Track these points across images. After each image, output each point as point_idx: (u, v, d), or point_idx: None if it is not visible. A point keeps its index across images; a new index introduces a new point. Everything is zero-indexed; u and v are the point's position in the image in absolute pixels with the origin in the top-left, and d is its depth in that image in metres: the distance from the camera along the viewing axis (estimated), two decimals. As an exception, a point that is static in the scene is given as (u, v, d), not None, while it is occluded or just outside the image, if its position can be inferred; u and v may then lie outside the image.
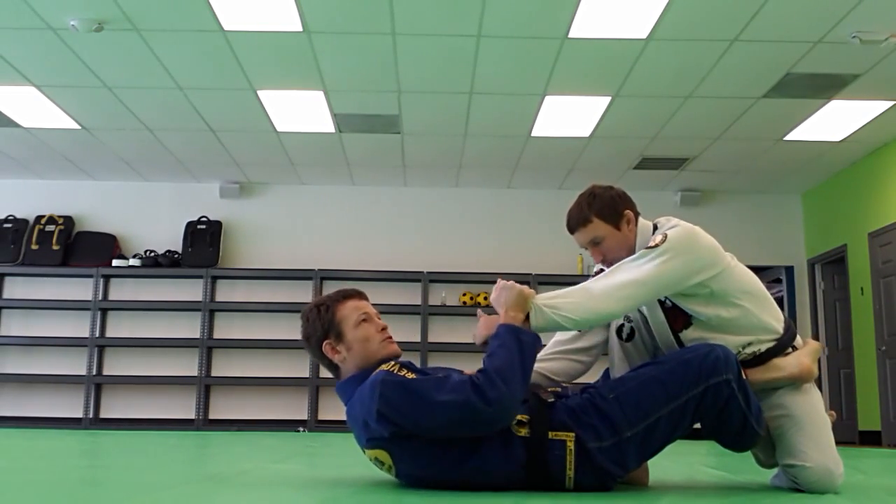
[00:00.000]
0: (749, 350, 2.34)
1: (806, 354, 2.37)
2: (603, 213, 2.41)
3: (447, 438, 2.04)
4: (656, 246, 2.27)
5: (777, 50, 5.78)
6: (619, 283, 2.22)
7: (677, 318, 2.37)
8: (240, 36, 5.67)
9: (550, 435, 2.07)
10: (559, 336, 2.57)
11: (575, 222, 2.46)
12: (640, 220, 2.48)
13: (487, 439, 2.05)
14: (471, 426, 1.99)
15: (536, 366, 2.46)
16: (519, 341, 2.07)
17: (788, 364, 2.33)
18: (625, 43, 5.71)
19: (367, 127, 7.47)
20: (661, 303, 2.38)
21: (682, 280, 2.26)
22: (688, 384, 2.10)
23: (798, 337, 2.46)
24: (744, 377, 2.20)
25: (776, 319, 2.39)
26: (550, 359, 2.52)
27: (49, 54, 5.96)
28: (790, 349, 2.39)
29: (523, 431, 2.08)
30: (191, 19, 5.43)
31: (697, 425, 2.26)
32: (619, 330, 2.48)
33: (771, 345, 2.36)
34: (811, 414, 2.32)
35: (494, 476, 2.07)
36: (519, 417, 2.08)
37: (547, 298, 2.22)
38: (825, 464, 2.26)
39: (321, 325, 2.27)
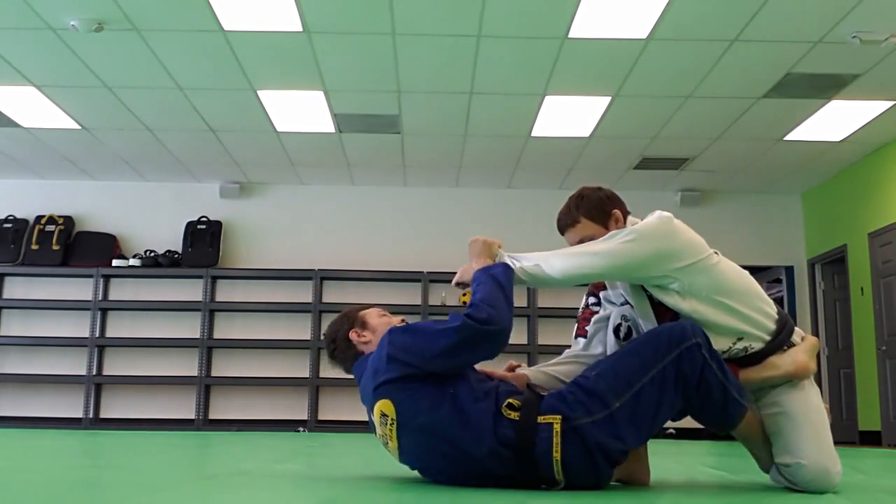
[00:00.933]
0: (739, 346, 2.35)
1: (803, 351, 2.37)
2: (591, 214, 2.48)
3: (450, 373, 2.20)
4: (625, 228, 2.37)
5: (777, 50, 5.78)
6: (580, 252, 2.34)
7: (664, 314, 2.38)
8: (240, 36, 5.68)
9: (539, 419, 2.13)
10: (573, 348, 2.62)
11: (564, 224, 2.54)
12: (630, 218, 2.51)
13: (482, 404, 2.17)
14: (470, 345, 2.18)
15: (549, 369, 2.54)
16: (490, 275, 2.29)
17: (784, 362, 2.35)
18: (625, 43, 5.71)
19: (367, 127, 7.47)
20: (650, 298, 2.40)
21: (643, 265, 2.30)
22: (661, 352, 2.17)
23: (799, 330, 2.46)
24: (713, 349, 2.23)
25: (767, 317, 2.39)
26: (563, 363, 2.56)
27: (49, 54, 5.96)
28: (786, 347, 2.39)
29: (513, 415, 2.16)
30: (191, 19, 5.43)
31: (697, 424, 2.25)
32: (617, 329, 2.50)
33: (764, 342, 2.36)
34: (808, 411, 2.31)
35: (484, 442, 2.12)
36: (510, 400, 2.19)
37: (517, 253, 2.40)
38: (822, 461, 2.25)
39: (347, 321, 2.50)
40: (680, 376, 2.16)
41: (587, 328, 2.60)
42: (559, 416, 2.12)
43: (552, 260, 2.33)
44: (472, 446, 2.14)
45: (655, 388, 2.15)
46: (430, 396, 2.18)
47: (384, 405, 2.22)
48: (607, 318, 2.55)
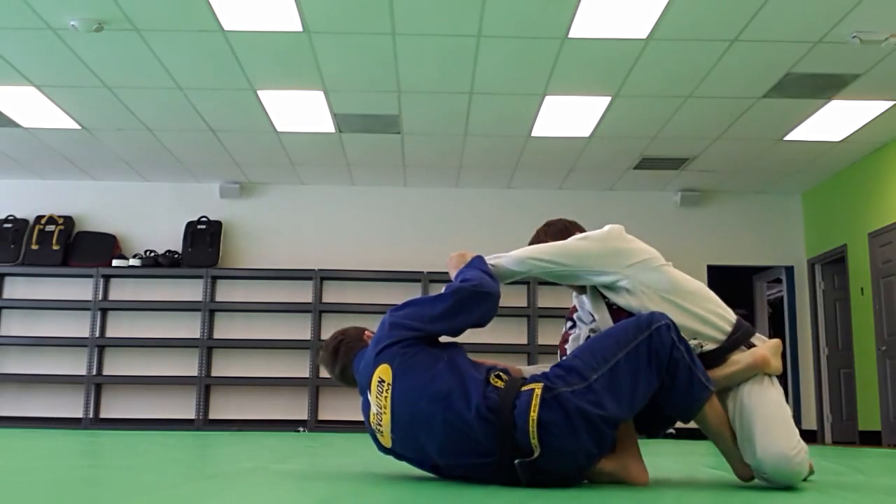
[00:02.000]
0: (692, 343, 2.43)
1: (765, 348, 2.48)
2: (557, 238, 2.70)
3: (449, 334, 2.41)
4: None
5: (777, 50, 5.78)
6: (539, 246, 2.60)
7: (620, 317, 2.51)
8: (240, 36, 5.68)
9: (522, 388, 2.26)
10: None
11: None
12: None
13: (475, 372, 2.31)
14: (466, 305, 2.40)
15: (544, 368, 2.60)
16: (468, 265, 2.54)
17: (744, 357, 2.45)
18: (625, 43, 5.71)
19: (367, 127, 7.47)
20: (609, 306, 2.56)
21: (592, 256, 2.51)
22: (633, 334, 2.31)
23: (761, 336, 2.57)
24: (681, 333, 2.35)
25: (722, 319, 2.52)
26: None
27: (49, 54, 5.96)
28: (744, 347, 2.49)
29: (499, 383, 2.30)
30: (191, 19, 5.43)
31: (686, 427, 2.25)
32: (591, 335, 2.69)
33: (718, 342, 2.47)
34: (763, 404, 2.38)
35: (473, 401, 2.22)
36: (498, 372, 2.35)
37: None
38: (776, 449, 2.29)
39: (358, 328, 2.67)
40: (652, 354, 2.27)
41: (566, 347, 2.84)
42: (541, 384, 2.23)
43: (515, 255, 2.56)
44: (463, 406, 2.23)
45: (630, 365, 2.26)
46: (427, 358, 2.33)
47: (382, 370, 2.35)
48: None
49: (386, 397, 2.33)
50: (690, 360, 2.31)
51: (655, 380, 2.28)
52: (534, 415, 2.16)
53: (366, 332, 2.62)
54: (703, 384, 2.32)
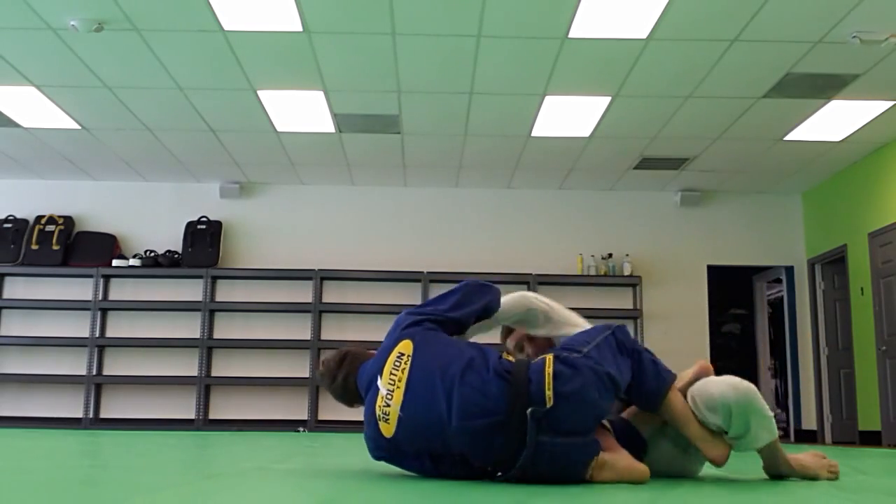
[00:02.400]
0: None
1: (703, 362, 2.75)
2: None
3: (461, 318, 2.63)
4: None
5: (777, 50, 5.78)
6: (535, 295, 2.89)
7: None
8: (240, 36, 5.68)
9: (533, 361, 2.44)
10: None
11: None
12: None
13: (488, 348, 2.48)
14: (475, 294, 2.68)
15: None
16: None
17: (689, 371, 2.67)
18: (625, 43, 5.71)
19: (367, 127, 7.47)
20: None
21: (565, 312, 2.83)
22: (599, 332, 2.56)
23: None
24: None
25: None
26: None
27: (49, 54, 5.96)
28: None
29: (512, 358, 2.50)
30: (191, 19, 5.43)
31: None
32: None
33: None
34: (706, 380, 2.60)
35: (490, 362, 2.40)
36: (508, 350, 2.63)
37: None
38: (726, 380, 2.51)
39: (361, 348, 2.81)
40: (620, 344, 2.53)
41: None
42: (552, 355, 2.43)
43: (510, 295, 2.82)
44: (482, 367, 2.38)
45: (609, 346, 2.50)
46: (447, 337, 2.55)
47: (403, 345, 2.48)
48: None
49: (404, 370, 2.41)
50: (651, 354, 2.58)
51: (628, 368, 2.49)
52: (550, 370, 2.34)
53: (369, 350, 2.69)
54: (667, 370, 2.57)
